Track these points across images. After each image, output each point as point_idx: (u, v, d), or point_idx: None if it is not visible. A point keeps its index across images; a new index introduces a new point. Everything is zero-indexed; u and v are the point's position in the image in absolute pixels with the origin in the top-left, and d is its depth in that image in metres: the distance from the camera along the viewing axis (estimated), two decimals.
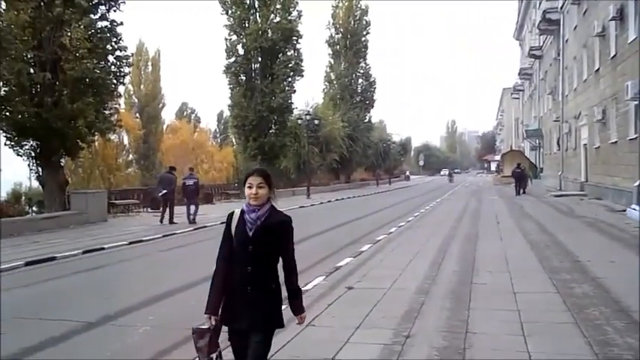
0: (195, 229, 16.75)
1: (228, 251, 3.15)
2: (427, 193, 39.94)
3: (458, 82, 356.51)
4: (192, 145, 68.96)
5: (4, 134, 19.05)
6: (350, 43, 55.31)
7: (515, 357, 4.61)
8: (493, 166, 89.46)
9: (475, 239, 12.57)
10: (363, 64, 56.76)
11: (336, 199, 33.14)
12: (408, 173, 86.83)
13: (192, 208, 18.43)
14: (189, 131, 73.60)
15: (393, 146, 73.29)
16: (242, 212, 3.17)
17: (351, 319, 5.91)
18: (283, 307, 3.21)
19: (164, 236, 15.28)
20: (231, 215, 3.23)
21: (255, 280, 3.06)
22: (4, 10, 17.70)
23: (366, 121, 57.69)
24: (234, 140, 58.14)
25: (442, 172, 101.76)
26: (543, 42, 41.88)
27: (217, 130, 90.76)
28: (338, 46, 55.67)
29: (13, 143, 19.02)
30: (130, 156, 60.63)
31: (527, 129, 52.39)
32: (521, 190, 31.72)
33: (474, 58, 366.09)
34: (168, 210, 18.25)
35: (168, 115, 76.66)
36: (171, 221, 18.10)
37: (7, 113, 18.37)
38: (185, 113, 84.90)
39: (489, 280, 7.87)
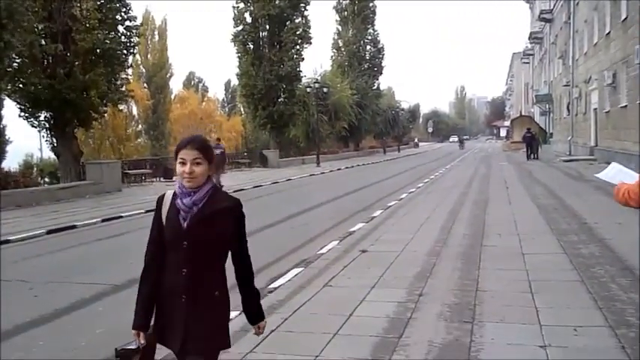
0: None
1: (159, 247, 2.45)
2: (436, 159, 40.03)
3: (467, 47, 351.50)
4: (201, 115, 68.86)
5: (19, 106, 19.39)
6: (358, 9, 54.65)
7: (524, 312, 4.86)
8: (502, 132, 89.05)
9: (485, 204, 12.77)
10: (371, 31, 56.19)
11: (346, 167, 33.34)
12: (416, 140, 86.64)
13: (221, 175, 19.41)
14: (197, 101, 73.36)
15: (402, 113, 72.93)
16: (174, 196, 2.44)
17: (366, 280, 6.19)
18: (233, 315, 2.75)
19: None
20: (160, 200, 2.49)
21: (191, 286, 2.36)
22: None
23: (375, 88, 57.34)
24: (242, 109, 58.16)
25: (451, 139, 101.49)
26: (554, 5, 41.20)
27: (225, 99, 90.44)
28: (346, 12, 55.06)
29: (27, 115, 19.36)
30: (140, 126, 60.77)
31: (537, 94, 51.94)
32: (533, 155, 31.77)
33: (483, 22, 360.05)
34: None
35: (176, 85, 76.57)
36: None
37: (21, 85, 18.65)
38: (193, 82, 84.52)
39: (499, 243, 8.10)
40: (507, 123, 80.00)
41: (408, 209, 12.58)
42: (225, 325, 2.48)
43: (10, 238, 10.29)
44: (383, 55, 57.54)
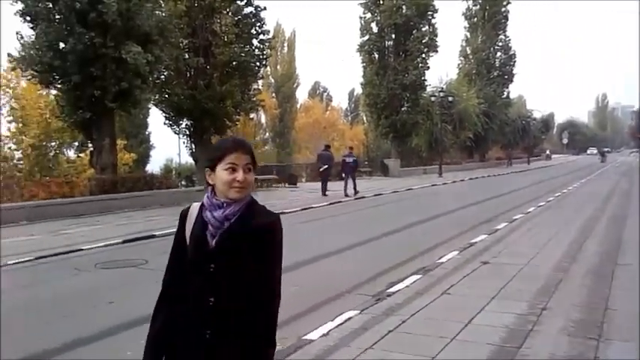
0: (331, 203, 17.64)
1: (180, 270, 2.03)
2: (570, 172, 37.56)
3: (610, 50, 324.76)
4: (324, 124, 70.71)
5: (164, 114, 21.51)
6: (488, 14, 52.91)
7: None
8: None
9: (623, 221, 11.89)
10: (502, 37, 54.08)
11: (470, 178, 32.44)
12: (548, 152, 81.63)
13: (350, 182, 20.14)
14: (322, 110, 75.42)
15: (533, 123, 69.21)
16: (201, 208, 2.02)
17: (486, 290, 6.13)
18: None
19: (302, 209, 16.26)
20: (185, 213, 2.08)
21: (219, 320, 1.92)
22: (163, 0, 19.72)
23: (504, 96, 55.08)
24: (365, 118, 58.80)
25: (589, 151, 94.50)
26: None
27: (348, 108, 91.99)
28: (475, 19, 53.56)
29: (171, 122, 21.45)
30: (267, 134, 63.80)
31: None
32: None
33: (629, 22, 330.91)
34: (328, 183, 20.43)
35: (301, 94, 79.13)
36: (323, 193, 19.68)
37: (166, 95, 20.69)
38: (317, 92, 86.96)
39: (636, 261, 7.56)
40: None
41: (535, 223, 12.07)
42: None
43: (156, 233, 11.44)
44: (514, 62, 55.14)
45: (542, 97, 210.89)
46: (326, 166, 20.33)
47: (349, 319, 5.26)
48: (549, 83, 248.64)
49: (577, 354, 4.16)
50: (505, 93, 55.32)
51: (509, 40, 54.64)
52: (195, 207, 2.05)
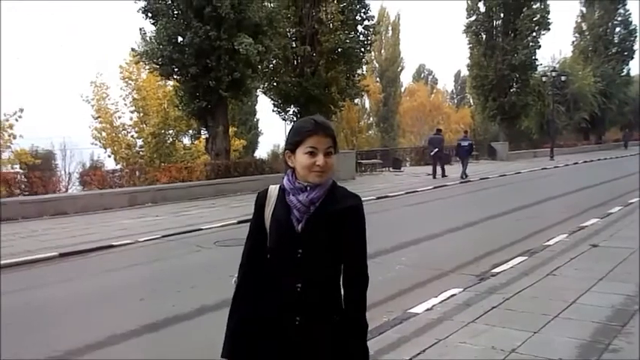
0: (436, 187, 17.65)
1: (259, 256, 2.01)
2: None
3: None
4: (429, 107, 69.51)
5: (272, 101, 22.50)
6: None
7: None
8: None
9: None
10: (621, 11, 50.04)
11: (584, 161, 30.66)
12: None
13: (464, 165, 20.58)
14: (427, 93, 74.07)
15: None
16: (282, 192, 1.99)
17: (594, 273, 6.10)
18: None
19: (407, 193, 16.44)
20: (263, 196, 2.03)
21: (308, 305, 1.92)
22: None
23: (624, 74, 51.07)
24: (471, 101, 57.17)
25: None
26: None
27: (454, 90, 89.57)
28: None
29: (279, 109, 22.40)
30: (371, 119, 63.90)
31: None
32: None
33: None
34: (437, 166, 20.80)
35: (406, 78, 78.13)
36: (443, 175, 20.38)
37: (275, 83, 21.62)
38: (422, 75, 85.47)
39: None
40: None
41: None
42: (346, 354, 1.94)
43: None
44: (635, 37, 50.76)
45: None
46: (436, 150, 20.50)
47: (453, 295, 5.50)
48: None
49: None
50: (625, 70, 51.27)
51: (630, 14, 50.34)
52: (273, 190, 2.01)
